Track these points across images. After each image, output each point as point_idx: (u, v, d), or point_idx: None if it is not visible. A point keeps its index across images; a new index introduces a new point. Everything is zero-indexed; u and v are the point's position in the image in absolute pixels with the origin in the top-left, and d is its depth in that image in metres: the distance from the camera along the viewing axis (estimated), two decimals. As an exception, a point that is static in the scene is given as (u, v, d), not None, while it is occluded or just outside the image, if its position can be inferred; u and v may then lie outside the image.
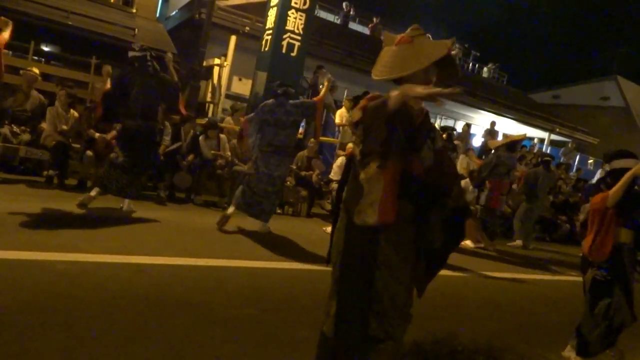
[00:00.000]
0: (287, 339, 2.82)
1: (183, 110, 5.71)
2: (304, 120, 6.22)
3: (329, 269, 2.09)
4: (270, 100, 5.32)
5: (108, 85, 5.32)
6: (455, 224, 2.07)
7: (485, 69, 19.25)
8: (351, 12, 16.00)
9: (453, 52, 1.82)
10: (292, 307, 3.35)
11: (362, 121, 1.86)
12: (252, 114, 5.49)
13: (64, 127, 6.21)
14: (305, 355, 2.65)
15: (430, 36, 2.12)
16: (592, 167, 17.88)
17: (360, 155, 1.94)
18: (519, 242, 8.19)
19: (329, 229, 6.39)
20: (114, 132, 6.29)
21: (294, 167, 7.55)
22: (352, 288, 1.96)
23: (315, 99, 5.61)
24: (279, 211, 7.10)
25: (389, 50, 2.05)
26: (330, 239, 2.12)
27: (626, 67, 25.04)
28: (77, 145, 6.37)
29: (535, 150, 14.61)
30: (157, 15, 12.54)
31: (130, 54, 5.17)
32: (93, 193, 5.00)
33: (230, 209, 5.31)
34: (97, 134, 6.15)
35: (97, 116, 5.33)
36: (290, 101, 5.29)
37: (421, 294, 2.13)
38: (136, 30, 9.95)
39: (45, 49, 10.38)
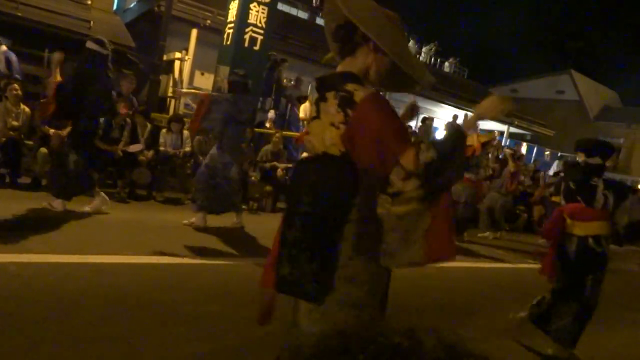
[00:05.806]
0: (250, 335, 2.82)
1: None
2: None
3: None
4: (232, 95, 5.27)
5: (58, 77, 4.89)
6: None
7: (446, 63, 19.64)
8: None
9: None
10: (255, 303, 3.33)
11: None
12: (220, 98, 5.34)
13: (15, 123, 5.94)
14: (268, 350, 2.65)
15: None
16: (548, 159, 18.58)
17: None
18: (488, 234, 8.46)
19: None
20: (70, 128, 6.06)
21: (259, 161, 7.49)
22: None
23: None
24: (243, 206, 7.04)
25: None
26: None
27: (580, 61, 26.10)
28: (30, 142, 6.11)
29: (495, 143, 15.02)
30: (115, 7, 12.11)
31: (91, 45, 4.86)
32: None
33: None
34: (51, 130, 5.91)
35: (48, 112, 4.95)
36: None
37: None
38: (92, 22, 9.59)
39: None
